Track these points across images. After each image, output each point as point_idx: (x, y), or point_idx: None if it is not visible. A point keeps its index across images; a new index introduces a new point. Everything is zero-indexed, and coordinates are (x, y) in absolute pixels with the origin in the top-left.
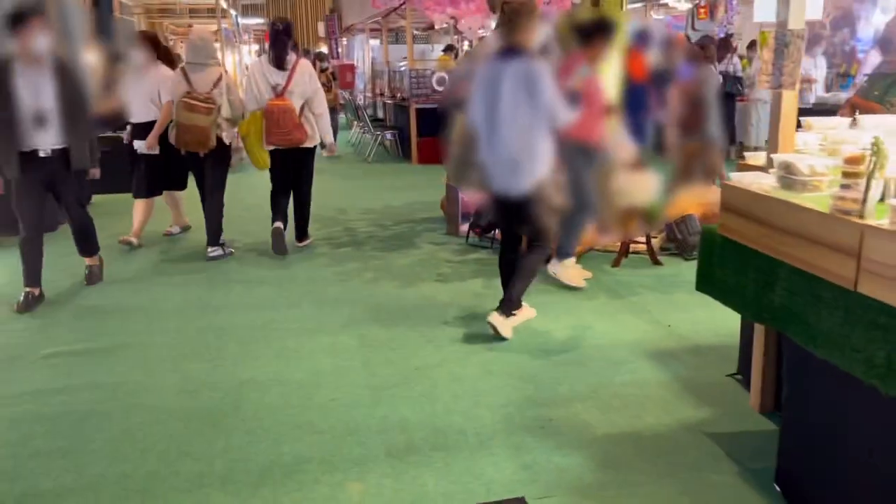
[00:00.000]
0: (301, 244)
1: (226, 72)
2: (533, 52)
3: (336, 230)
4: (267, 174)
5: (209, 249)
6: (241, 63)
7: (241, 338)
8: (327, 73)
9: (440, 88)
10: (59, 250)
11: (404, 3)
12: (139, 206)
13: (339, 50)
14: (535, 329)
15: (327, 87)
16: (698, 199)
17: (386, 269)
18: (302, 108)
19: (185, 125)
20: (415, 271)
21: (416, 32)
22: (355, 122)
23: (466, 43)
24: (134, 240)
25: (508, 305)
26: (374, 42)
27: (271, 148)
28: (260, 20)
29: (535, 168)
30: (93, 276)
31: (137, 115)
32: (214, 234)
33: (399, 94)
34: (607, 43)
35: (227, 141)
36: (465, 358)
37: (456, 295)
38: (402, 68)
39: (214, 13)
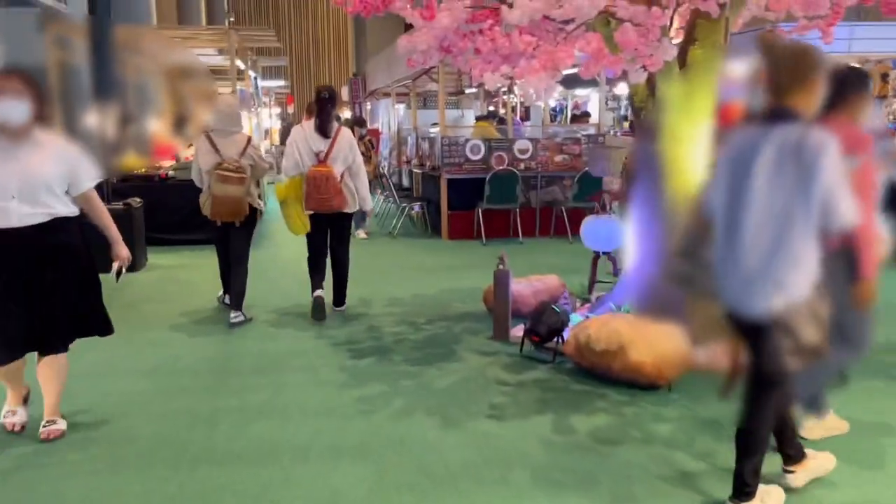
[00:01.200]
0: (339, 309)
1: (250, 137)
2: (809, 117)
3: (358, 330)
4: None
5: (233, 315)
6: (260, 126)
7: None
8: (365, 142)
9: (475, 157)
10: None
11: (435, 64)
12: None
13: (363, 114)
14: None
15: (366, 157)
16: None
17: (420, 394)
18: (342, 176)
19: (220, 197)
20: (458, 399)
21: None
22: (378, 191)
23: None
24: None
25: (742, 488)
26: (399, 106)
27: (311, 212)
28: (281, 83)
29: (790, 283)
30: None
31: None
32: (239, 298)
33: (428, 163)
34: (863, 102)
35: (255, 206)
36: None
37: (519, 442)
38: (433, 134)
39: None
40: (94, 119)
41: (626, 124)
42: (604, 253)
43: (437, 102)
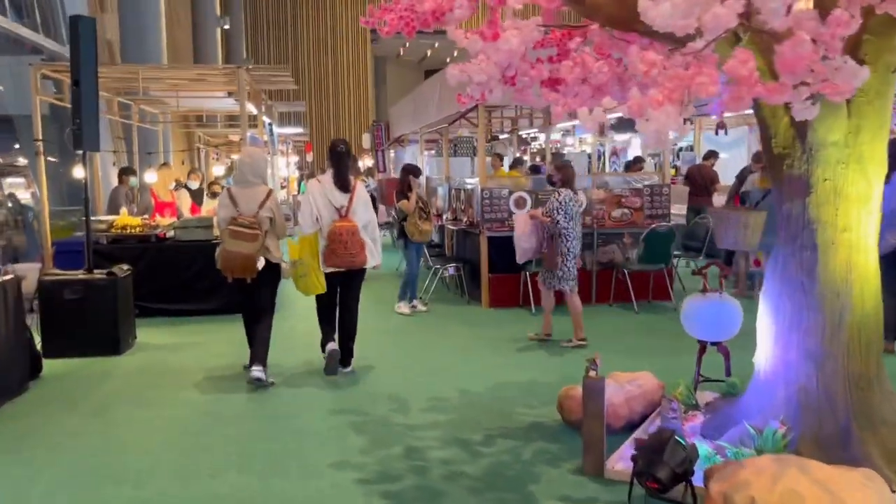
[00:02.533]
0: (347, 370)
1: (271, 190)
2: None
3: (390, 455)
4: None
5: (254, 369)
6: (276, 175)
7: None
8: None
9: (519, 212)
10: None
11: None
12: None
13: (386, 162)
14: None
15: (423, 211)
16: None
17: None
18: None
19: (231, 253)
20: None
21: (475, 143)
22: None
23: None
24: None
25: None
26: (427, 153)
27: (331, 270)
28: (299, 129)
29: None
30: None
31: None
32: (262, 351)
33: (465, 218)
34: None
35: (275, 261)
36: None
37: None
38: (470, 186)
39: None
40: (81, 170)
41: (672, 172)
42: (712, 344)
43: (467, 149)
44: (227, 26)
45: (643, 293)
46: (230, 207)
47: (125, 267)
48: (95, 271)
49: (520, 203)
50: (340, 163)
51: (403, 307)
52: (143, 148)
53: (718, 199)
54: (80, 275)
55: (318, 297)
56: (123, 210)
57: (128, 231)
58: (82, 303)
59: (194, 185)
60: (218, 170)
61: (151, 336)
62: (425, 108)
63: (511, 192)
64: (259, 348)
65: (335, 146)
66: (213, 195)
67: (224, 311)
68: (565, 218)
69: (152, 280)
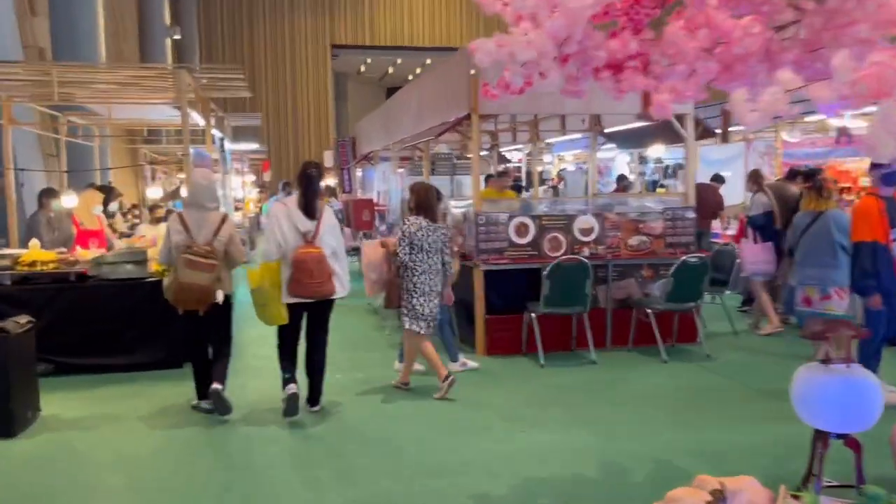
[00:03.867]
0: (315, 409)
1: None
2: None
3: None
4: None
5: (216, 385)
6: (228, 197)
7: None
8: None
9: (521, 240)
10: None
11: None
12: None
13: (352, 182)
14: None
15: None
16: None
17: None
18: None
19: (186, 284)
20: None
21: (455, 160)
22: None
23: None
24: None
25: None
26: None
27: (294, 300)
28: (255, 146)
29: None
30: None
31: None
32: (223, 374)
33: (456, 248)
34: None
35: (228, 292)
36: None
37: None
38: (462, 210)
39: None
40: None
41: (660, 190)
42: (838, 436)
43: (446, 167)
44: (177, 37)
45: (666, 334)
46: (182, 234)
47: (24, 320)
48: None
49: (521, 231)
50: (310, 187)
51: (455, 366)
52: (77, 167)
53: (715, 223)
54: None
55: (280, 330)
56: (34, 242)
57: (38, 268)
58: None
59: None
60: (154, 192)
61: (62, 405)
62: (399, 120)
63: (511, 217)
64: (219, 369)
65: (307, 169)
66: (157, 220)
67: (160, 365)
68: (411, 249)
69: (69, 329)
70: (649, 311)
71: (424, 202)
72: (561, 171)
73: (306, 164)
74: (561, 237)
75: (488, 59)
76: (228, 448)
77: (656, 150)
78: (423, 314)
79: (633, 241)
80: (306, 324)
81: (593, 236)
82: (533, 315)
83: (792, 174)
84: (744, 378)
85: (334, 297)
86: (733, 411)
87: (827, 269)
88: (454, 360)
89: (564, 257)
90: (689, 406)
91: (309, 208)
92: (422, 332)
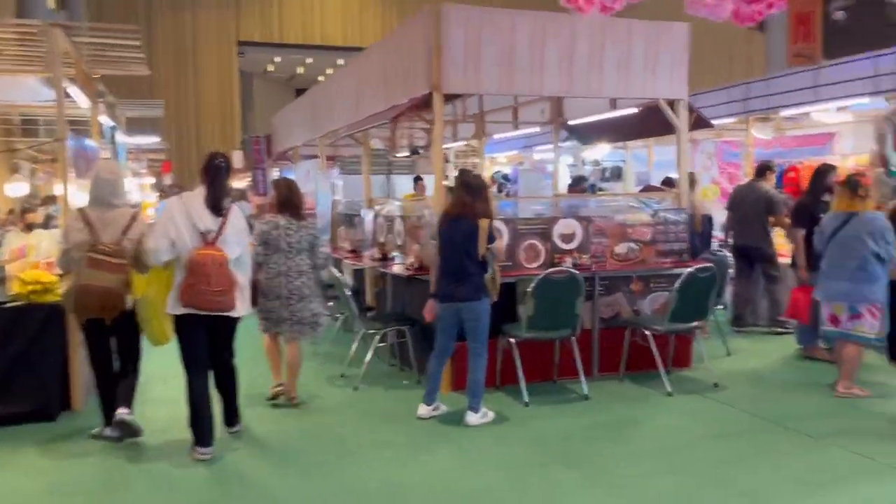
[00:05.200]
0: (235, 430)
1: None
2: None
3: None
4: None
5: (120, 410)
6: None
7: None
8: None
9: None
10: None
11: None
12: None
13: (267, 184)
14: None
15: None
16: None
17: None
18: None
19: (88, 287)
20: None
21: (391, 157)
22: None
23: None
24: None
25: None
26: (332, 170)
27: (186, 311)
28: (156, 139)
29: None
30: None
31: None
32: (130, 394)
33: (411, 259)
34: None
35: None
36: None
37: None
38: (418, 214)
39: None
40: None
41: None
42: None
43: (381, 164)
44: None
45: (662, 359)
46: (84, 232)
47: None
48: None
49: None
50: (217, 179)
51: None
52: None
53: None
54: None
55: (189, 360)
56: None
57: None
58: None
59: None
60: (17, 188)
61: None
62: (330, 109)
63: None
64: (127, 397)
65: (213, 159)
66: (30, 227)
67: (28, 418)
68: (265, 249)
69: None
70: (648, 332)
71: (286, 200)
72: (495, 174)
73: (213, 154)
74: (539, 245)
75: None
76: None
77: (600, 151)
78: (274, 317)
79: (621, 248)
80: (215, 344)
81: (576, 243)
82: (512, 341)
83: (761, 170)
84: (771, 414)
85: (234, 314)
86: (795, 463)
87: (858, 282)
88: (429, 401)
89: (552, 270)
90: (733, 458)
91: (216, 204)
92: (284, 336)
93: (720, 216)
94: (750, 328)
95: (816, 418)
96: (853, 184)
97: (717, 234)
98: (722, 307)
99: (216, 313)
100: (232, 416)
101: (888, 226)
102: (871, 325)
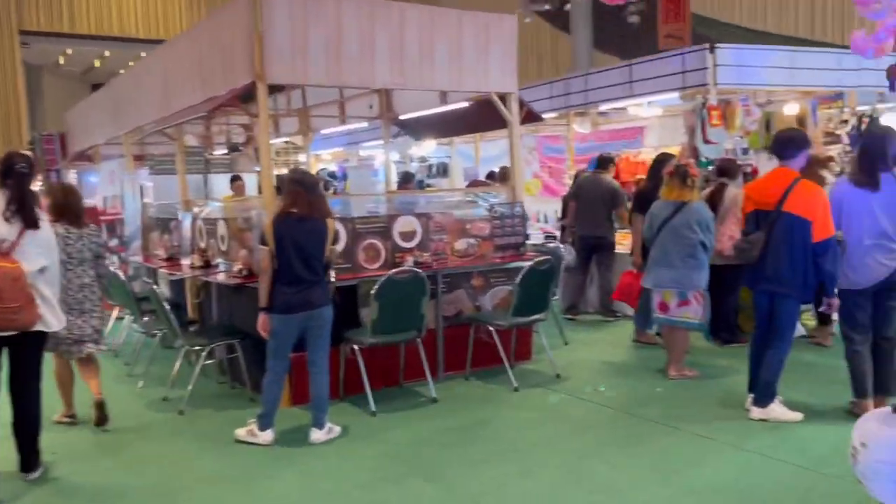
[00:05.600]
0: (34, 475)
1: None
2: None
3: None
4: None
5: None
6: None
7: None
8: None
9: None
10: None
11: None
12: None
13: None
14: None
15: None
16: None
17: None
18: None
19: None
20: None
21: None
22: (119, 311)
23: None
24: None
25: None
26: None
27: None
28: None
29: None
30: None
31: None
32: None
33: (239, 266)
34: None
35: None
36: None
37: None
38: (245, 215)
39: None
40: None
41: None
42: None
43: (196, 163)
44: None
45: (506, 353)
46: None
47: None
48: None
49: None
50: (21, 186)
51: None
52: None
53: None
54: None
55: None
56: None
57: None
58: None
59: None
60: None
61: None
62: (136, 103)
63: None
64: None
65: (13, 163)
66: None
67: None
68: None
69: None
70: (492, 328)
71: (63, 206)
72: (321, 171)
73: (11, 155)
74: (379, 244)
75: None
76: None
77: (426, 148)
78: (54, 337)
79: (460, 244)
80: (8, 367)
81: (416, 241)
82: (356, 347)
83: (603, 162)
84: (615, 402)
85: (40, 328)
86: (647, 451)
87: (689, 269)
88: (319, 425)
89: (396, 270)
90: (587, 451)
91: (26, 216)
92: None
93: (544, 208)
94: (582, 315)
95: (657, 403)
96: (682, 174)
97: (544, 225)
98: (556, 297)
99: (12, 332)
100: (32, 460)
101: (711, 215)
102: (696, 310)
